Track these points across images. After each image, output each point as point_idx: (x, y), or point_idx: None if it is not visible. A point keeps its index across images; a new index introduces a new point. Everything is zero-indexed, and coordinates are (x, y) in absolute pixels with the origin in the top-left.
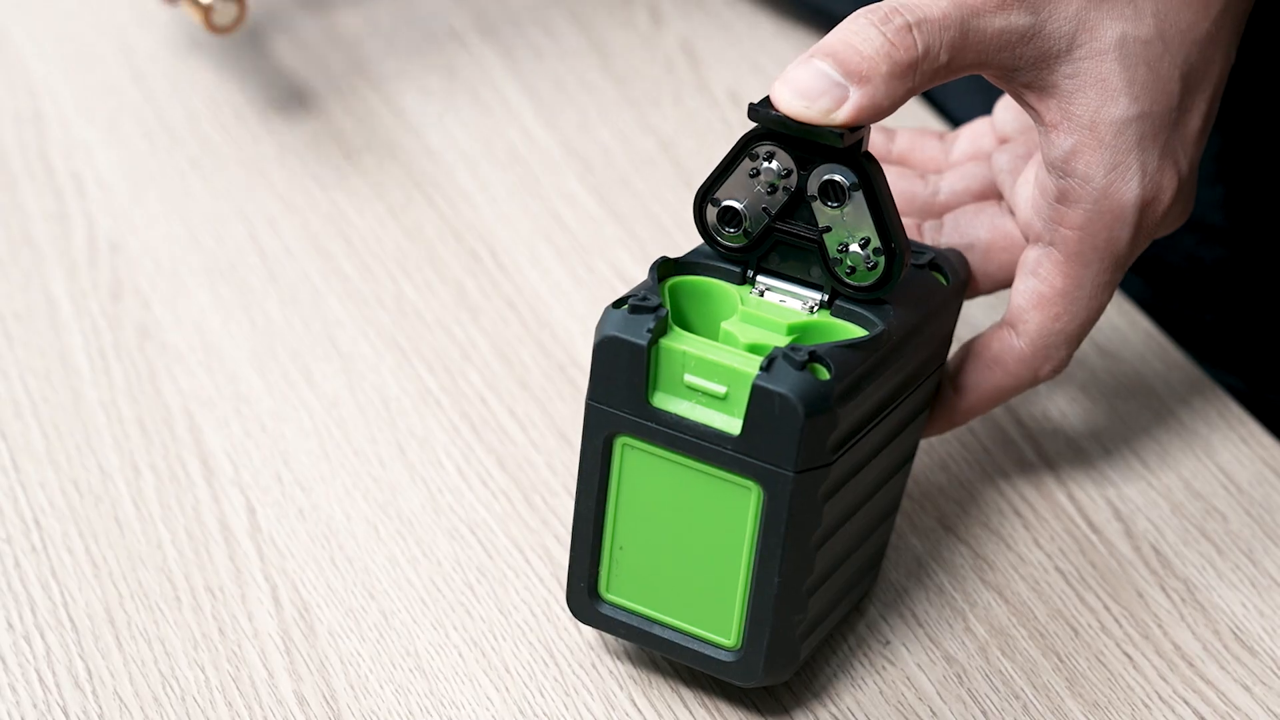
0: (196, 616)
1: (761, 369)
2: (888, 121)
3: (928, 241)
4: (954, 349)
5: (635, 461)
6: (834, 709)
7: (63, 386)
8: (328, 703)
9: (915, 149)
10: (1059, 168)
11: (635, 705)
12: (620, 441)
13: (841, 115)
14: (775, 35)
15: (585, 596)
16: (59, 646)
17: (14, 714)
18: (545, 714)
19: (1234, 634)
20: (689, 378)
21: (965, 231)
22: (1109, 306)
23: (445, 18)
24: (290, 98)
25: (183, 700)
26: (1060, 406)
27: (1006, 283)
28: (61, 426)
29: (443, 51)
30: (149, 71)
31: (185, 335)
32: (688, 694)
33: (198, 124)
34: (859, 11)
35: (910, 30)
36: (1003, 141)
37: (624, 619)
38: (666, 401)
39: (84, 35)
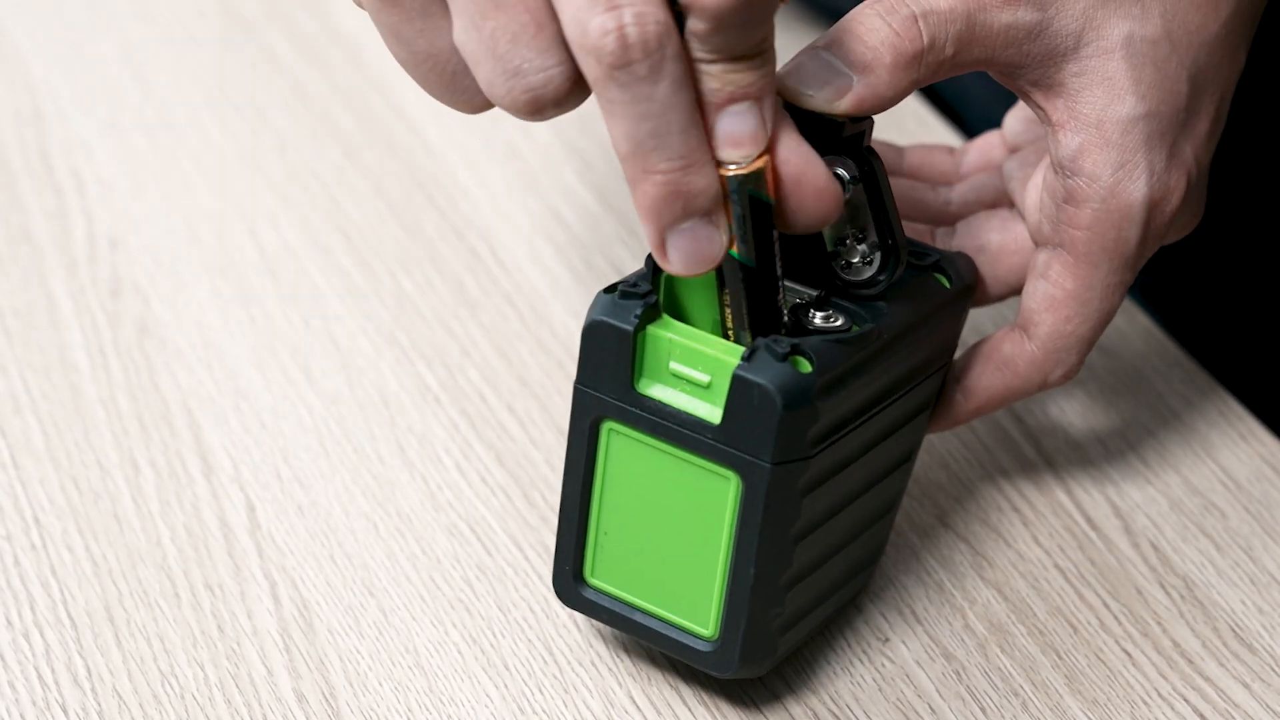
0: (196, 614)
1: (743, 359)
2: (898, 138)
3: (939, 247)
4: (962, 350)
5: (620, 447)
6: (833, 705)
7: (62, 383)
8: (327, 700)
9: (926, 163)
10: (1066, 167)
11: (634, 702)
12: (606, 426)
13: (844, 105)
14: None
15: (570, 580)
16: (58, 644)
17: (13, 711)
18: (544, 711)
19: (1233, 631)
20: (674, 365)
21: (975, 236)
22: None
23: None
24: (290, 94)
25: (182, 698)
26: (1060, 404)
27: (1017, 287)
28: (61, 423)
29: None
30: (148, 68)
31: (185, 332)
32: (687, 691)
33: (197, 121)
34: (867, 0)
35: (916, 21)
36: (1013, 151)
37: (606, 604)
38: (651, 388)
39: (83, 32)
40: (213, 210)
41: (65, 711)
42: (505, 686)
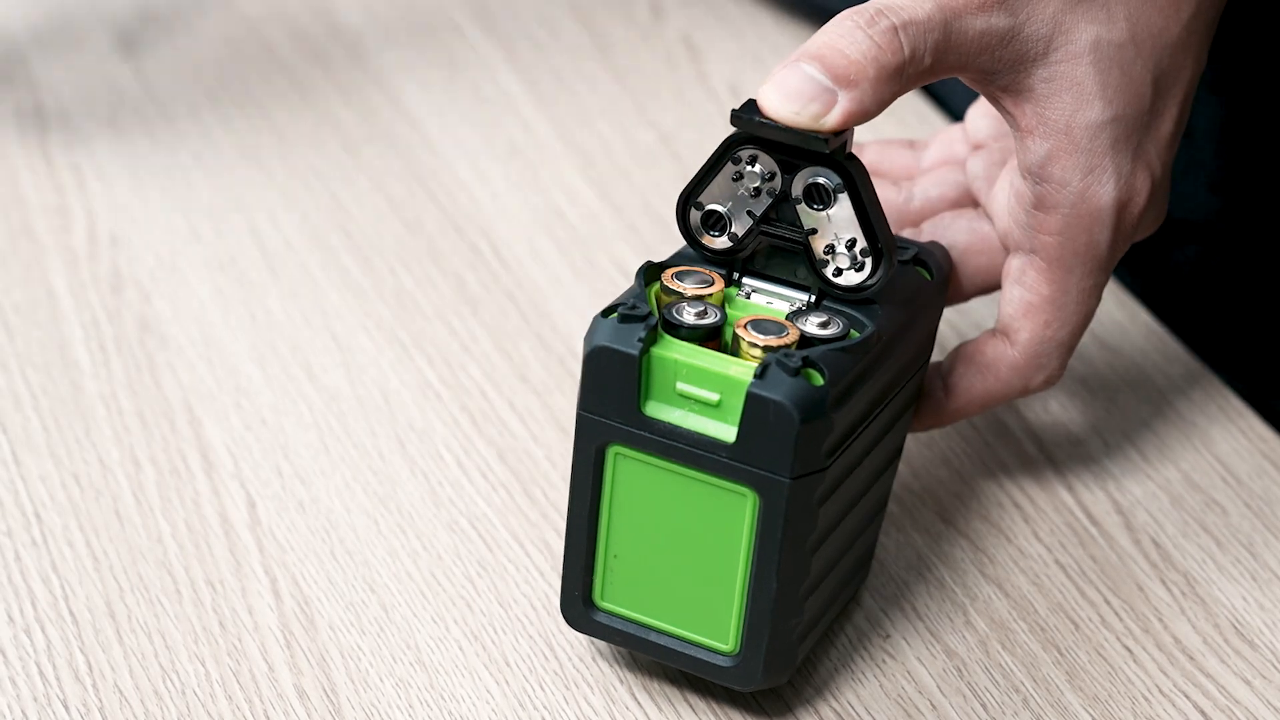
0: (197, 610)
1: (755, 376)
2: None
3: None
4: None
5: (628, 470)
6: (834, 703)
7: (63, 380)
8: (328, 696)
9: (884, 159)
10: (1035, 173)
11: (636, 699)
12: (613, 451)
13: (830, 120)
14: (776, 29)
15: (580, 605)
16: (59, 640)
17: (14, 707)
18: (546, 707)
19: (1234, 627)
20: (681, 386)
21: (942, 236)
22: (1107, 300)
23: (446, 10)
24: (290, 91)
25: (183, 694)
26: (1060, 400)
27: (985, 287)
28: (61, 420)
29: (443, 44)
30: (149, 64)
31: (185, 328)
32: (689, 689)
33: (198, 117)
34: (845, 13)
35: (897, 32)
36: (976, 148)
37: (619, 626)
38: (659, 410)
39: (84, 28)
40: (213, 207)
41: (66, 707)
42: (506, 683)
